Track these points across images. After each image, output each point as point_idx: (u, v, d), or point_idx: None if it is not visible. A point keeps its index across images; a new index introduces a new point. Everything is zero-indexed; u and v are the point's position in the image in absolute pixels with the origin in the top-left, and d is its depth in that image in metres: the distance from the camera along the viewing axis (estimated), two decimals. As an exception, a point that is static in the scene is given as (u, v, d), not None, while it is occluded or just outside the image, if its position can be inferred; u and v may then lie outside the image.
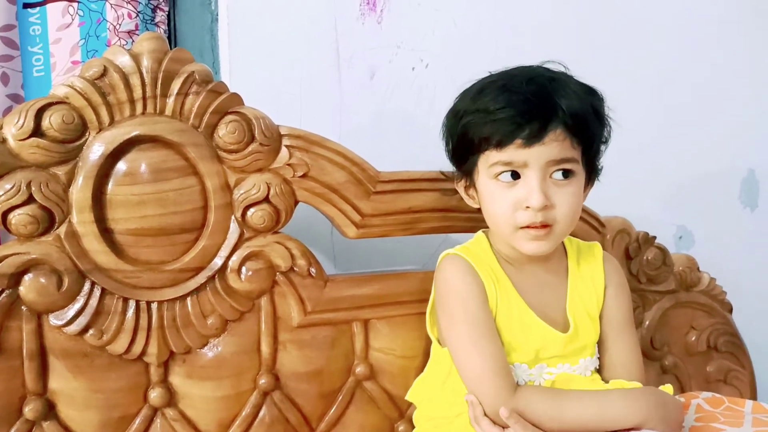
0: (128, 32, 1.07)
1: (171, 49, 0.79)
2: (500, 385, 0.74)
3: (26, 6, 1.04)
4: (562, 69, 0.79)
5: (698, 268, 1.11)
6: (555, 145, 0.73)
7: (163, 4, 1.11)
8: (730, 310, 1.13)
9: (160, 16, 1.11)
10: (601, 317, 0.82)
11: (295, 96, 1.12)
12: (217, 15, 1.13)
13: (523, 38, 1.22)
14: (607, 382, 0.80)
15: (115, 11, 1.06)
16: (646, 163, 1.30)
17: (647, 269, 1.05)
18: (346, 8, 1.14)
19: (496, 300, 0.78)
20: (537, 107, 0.73)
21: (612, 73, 1.23)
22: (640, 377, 0.80)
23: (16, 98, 1.03)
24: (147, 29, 1.10)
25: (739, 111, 1.38)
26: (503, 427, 0.74)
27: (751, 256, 1.38)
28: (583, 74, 0.82)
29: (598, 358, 0.83)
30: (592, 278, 0.83)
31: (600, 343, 0.83)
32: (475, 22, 1.21)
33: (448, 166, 0.89)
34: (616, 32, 1.27)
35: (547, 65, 0.79)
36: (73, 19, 1.05)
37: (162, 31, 1.11)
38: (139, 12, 1.08)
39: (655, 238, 1.07)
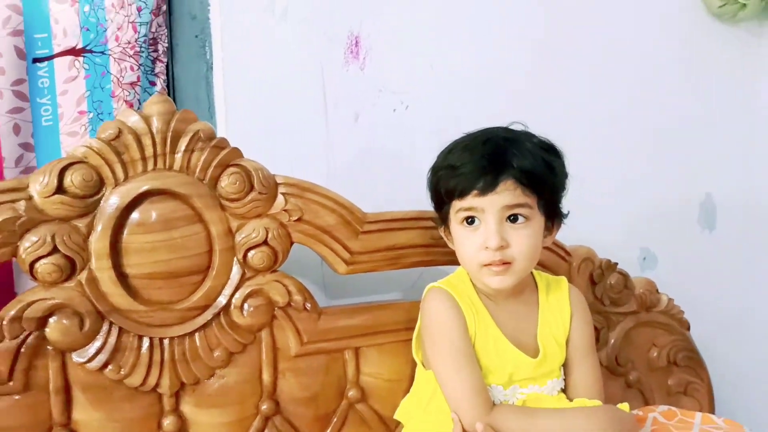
0: (131, 83, 1.16)
1: (171, 99, 0.87)
2: (478, 404, 0.84)
3: (35, 61, 1.12)
4: (524, 128, 0.91)
5: (657, 290, 1.22)
6: (507, 194, 0.85)
7: (162, 56, 1.20)
8: (688, 328, 1.24)
9: (159, 67, 1.20)
10: (567, 343, 0.93)
11: (285, 138, 1.21)
12: (212, 64, 1.23)
13: (495, 80, 1.33)
14: (571, 400, 0.90)
15: (118, 64, 1.15)
16: (611, 190, 1.40)
17: (610, 293, 1.16)
18: (332, 57, 1.24)
19: (474, 329, 0.88)
20: (490, 163, 0.85)
21: (576, 105, 1.35)
22: (600, 396, 0.91)
23: (26, 146, 1.11)
24: (147, 80, 1.19)
25: (696, 139, 1.49)
26: (481, 441, 0.83)
27: (709, 274, 1.49)
28: (550, 110, 0.92)
29: (564, 379, 0.93)
30: (559, 309, 0.93)
31: (565, 366, 0.93)
32: (450, 66, 1.31)
33: (428, 203, 1.00)
34: (579, 69, 1.38)
35: (512, 126, 0.91)
36: (79, 72, 1.13)
37: (161, 80, 1.20)
38: (140, 64, 1.17)
39: (617, 264, 1.18)
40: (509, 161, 0.85)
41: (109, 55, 1.14)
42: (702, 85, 1.49)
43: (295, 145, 1.21)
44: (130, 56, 1.15)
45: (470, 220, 0.87)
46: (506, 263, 0.85)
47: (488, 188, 0.84)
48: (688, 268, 1.48)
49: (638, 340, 1.19)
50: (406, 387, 1.00)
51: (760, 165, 1.55)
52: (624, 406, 0.82)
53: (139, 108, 1.17)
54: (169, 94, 1.22)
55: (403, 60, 1.28)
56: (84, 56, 1.13)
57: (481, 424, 0.82)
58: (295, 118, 1.22)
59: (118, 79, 1.15)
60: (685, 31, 1.46)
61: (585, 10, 1.38)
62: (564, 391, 0.92)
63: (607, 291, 1.15)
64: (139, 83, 1.17)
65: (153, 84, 1.20)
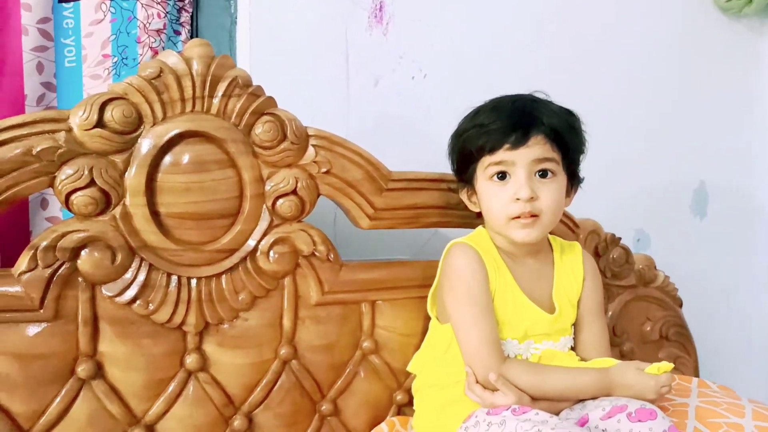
0: (157, 30, 1.16)
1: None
2: (492, 356, 0.88)
3: (61, 1, 1.12)
4: (546, 97, 0.95)
5: (655, 267, 1.27)
6: (537, 148, 0.89)
7: (188, 5, 1.20)
8: (681, 305, 1.30)
9: (185, 17, 1.21)
10: (578, 303, 0.97)
11: (306, 98, 1.23)
12: (236, 18, 1.23)
13: (510, 54, 1.36)
14: (581, 358, 0.95)
15: (146, 10, 1.15)
16: (610, 171, 1.45)
17: (612, 266, 1.21)
18: (356, 20, 1.26)
19: (495, 284, 0.91)
20: (521, 119, 0.90)
21: (580, 86, 1.39)
22: (608, 354, 0.96)
23: (48, 86, 1.11)
24: (173, 28, 1.19)
25: (693, 127, 1.55)
26: (492, 391, 0.87)
27: (698, 258, 1.56)
28: (554, 89, 0.97)
29: (573, 338, 0.97)
30: (573, 270, 0.98)
31: (576, 325, 0.97)
32: (468, 39, 1.34)
33: (441, 168, 1.03)
34: (586, 51, 1.43)
35: (535, 94, 0.95)
36: (105, 16, 1.13)
37: (186, 30, 1.20)
38: (167, 12, 1.17)
39: (620, 239, 1.23)
40: (539, 118, 0.90)
41: (137, 0, 1.14)
42: (702, 75, 1.55)
43: (316, 104, 1.23)
44: (157, 3, 1.15)
45: (501, 175, 0.91)
46: (534, 216, 0.89)
47: (520, 142, 0.88)
48: (677, 251, 1.54)
49: (634, 313, 1.25)
50: (418, 342, 1.04)
51: (754, 157, 1.62)
52: (654, 368, 0.85)
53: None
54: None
55: (424, 29, 1.31)
56: (111, 0, 1.13)
57: (495, 374, 0.86)
58: (317, 79, 1.24)
59: (145, 25, 1.15)
60: (689, 22, 1.52)
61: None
62: (573, 348, 0.97)
63: (609, 264, 1.20)
64: (164, 31, 1.17)
65: (178, 33, 1.20)
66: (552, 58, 1.39)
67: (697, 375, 1.30)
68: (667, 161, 1.54)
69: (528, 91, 0.98)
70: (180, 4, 1.19)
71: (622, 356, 1.24)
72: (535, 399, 0.87)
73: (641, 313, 1.26)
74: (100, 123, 0.84)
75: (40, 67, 1.09)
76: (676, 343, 1.29)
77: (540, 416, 0.80)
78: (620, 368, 0.87)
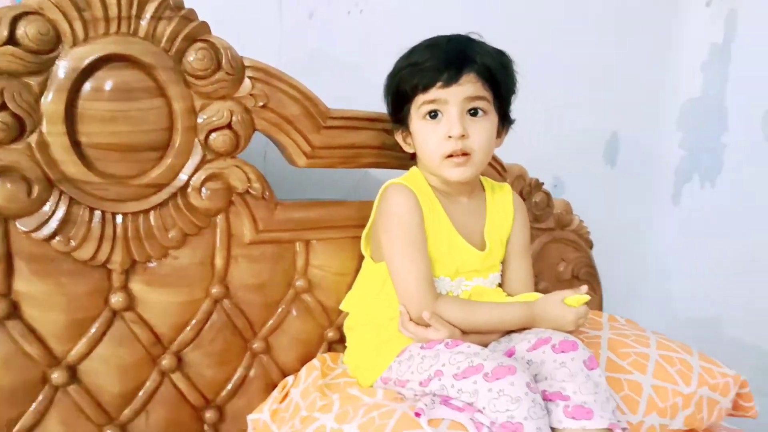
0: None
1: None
2: (425, 294, 0.91)
3: None
4: (479, 38, 0.96)
5: (572, 212, 1.34)
6: (469, 86, 0.90)
7: None
8: (591, 247, 1.39)
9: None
10: (507, 242, 1.01)
11: (237, 29, 1.15)
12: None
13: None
14: (507, 294, 1.00)
15: None
16: (532, 120, 1.48)
17: (534, 210, 1.26)
18: (290, -54, 1.19)
19: (429, 223, 0.93)
20: (454, 57, 0.91)
21: (505, 34, 1.40)
22: (532, 290, 1.02)
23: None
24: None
25: (608, 82, 1.62)
26: (426, 327, 0.90)
27: (608, 204, 1.66)
28: (490, 31, 0.98)
29: (500, 274, 1.02)
30: (503, 210, 1.02)
31: (503, 263, 1.02)
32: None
33: (373, 108, 1.02)
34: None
35: (469, 35, 0.96)
36: None
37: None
38: None
39: (542, 184, 1.28)
40: (472, 56, 0.91)
41: None
42: (622, 30, 1.61)
43: (246, 35, 1.15)
44: None
45: (433, 114, 0.92)
46: (466, 154, 0.91)
47: (452, 80, 0.89)
48: (590, 197, 1.64)
49: (550, 255, 1.32)
50: (350, 281, 1.05)
51: (660, 111, 1.72)
52: (573, 300, 0.89)
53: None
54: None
55: (360, -40, 1.26)
56: None
57: (428, 312, 0.89)
58: (248, 8, 1.17)
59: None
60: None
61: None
62: (500, 285, 1.02)
63: (532, 207, 1.26)
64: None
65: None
66: (483, 6, 1.39)
67: (601, 310, 1.41)
68: (584, 112, 1.61)
69: (465, 31, 0.98)
70: None
71: (538, 294, 1.32)
72: (465, 333, 0.91)
73: (557, 254, 1.33)
74: (11, 40, 0.75)
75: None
76: (586, 283, 1.38)
77: (471, 348, 0.84)
78: (543, 302, 0.92)
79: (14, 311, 0.81)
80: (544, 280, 1.32)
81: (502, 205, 1.02)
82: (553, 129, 1.57)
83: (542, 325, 0.91)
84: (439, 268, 0.94)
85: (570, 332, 0.89)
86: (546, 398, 0.79)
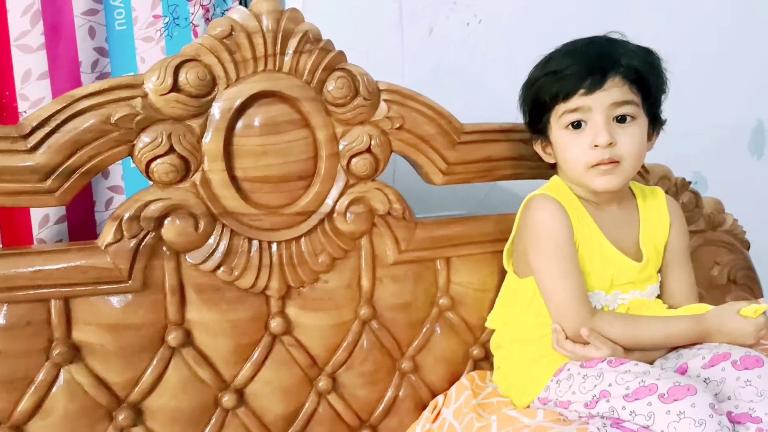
0: (207, -13, 1.11)
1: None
2: (581, 310, 0.87)
3: (107, -40, 1.07)
4: (621, 37, 0.91)
5: (724, 210, 1.24)
6: (615, 90, 0.85)
7: (237, -40, 1.15)
8: (748, 248, 1.27)
9: (234, -27, 1.15)
10: (664, 249, 0.95)
11: (362, 51, 1.18)
12: (286, -30, 1.18)
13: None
14: (669, 305, 0.93)
15: (194, -34, 1.09)
16: (668, 113, 1.41)
17: (683, 211, 1.18)
18: (407, -35, 1.20)
19: (579, 234, 0.89)
20: (597, 61, 0.86)
21: (642, 26, 1.33)
22: (696, 300, 0.95)
23: (101, 51, 1.08)
24: (223, -17, 1.14)
25: (751, 67, 1.49)
26: (584, 344, 0.86)
27: (759, 199, 1.53)
28: (622, 28, 0.92)
29: (659, 285, 0.96)
30: (658, 215, 0.95)
31: (662, 272, 0.96)
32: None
33: (499, 118, 1.00)
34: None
35: (611, 35, 0.91)
36: (152, -26, 1.08)
37: (237, -14, 1.15)
38: (216, -33, 1.12)
39: (690, 183, 1.20)
40: (617, 59, 0.85)
41: (183, -44, 1.09)
42: (761, 11, 1.48)
43: (370, 57, 1.18)
44: (205, -43, 1.10)
45: (576, 124, 0.87)
46: (614, 162, 0.86)
47: (596, 85, 0.84)
48: (735, 193, 1.51)
49: (703, 258, 1.22)
50: (493, 297, 1.03)
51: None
52: (750, 311, 0.83)
53: (214, 14, 1.14)
54: (240, 0, 1.18)
55: (477, -29, 1.25)
56: (157, -42, 1.08)
57: (586, 329, 0.85)
58: (370, 29, 1.19)
59: (194, -19, 1.10)
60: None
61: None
62: (659, 297, 0.95)
63: (680, 209, 1.17)
64: (215, -14, 1.12)
65: (227, -12, 1.15)
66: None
67: None
68: (725, 101, 1.49)
69: (594, 31, 0.93)
70: (227, -42, 1.14)
71: (691, 302, 1.22)
72: (627, 350, 0.86)
73: (710, 258, 1.24)
74: (175, 87, 0.81)
75: (92, 32, 1.06)
76: (744, 287, 1.27)
77: (640, 367, 0.79)
78: (716, 314, 0.85)
79: (188, 339, 0.87)
80: (698, 286, 1.21)
81: (657, 211, 0.96)
82: (692, 122, 1.46)
83: (716, 339, 0.84)
84: (593, 281, 0.90)
85: (749, 347, 0.82)
86: (732, 420, 0.73)
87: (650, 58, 0.89)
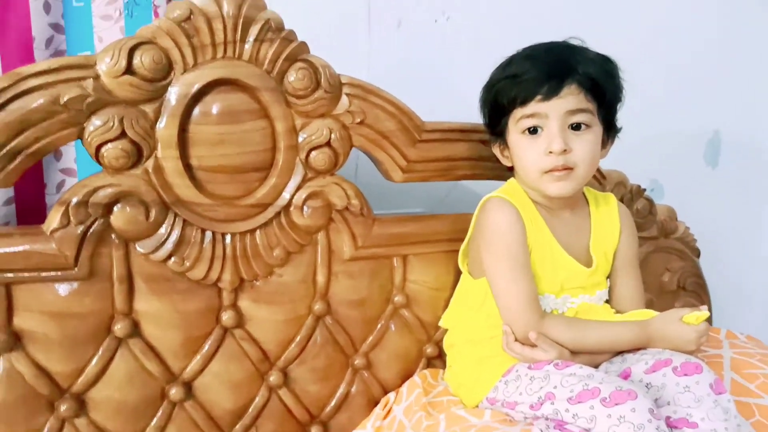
0: (169, -33, 1.08)
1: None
2: (531, 314, 0.87)
3: (66, -65, 1.03)
4: (581, 44, 0.91)
5: (676, 218, 1.27)
6: (571, 99, 0.86)
7: (201, -60, 1.11)
8: (698, 255, 1.31)
9: (197, -47, 1.12)
10: (613, 256, 0.96)
11: (327, 41, 1.17)
12: (252, -46, 1.15)
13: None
14: (616, 310, 0.95)
15: (158, -55, 1.06)
16: (627, 120, 1.43)
17: (637, 217, 1.20)
18: (378, -44, 1.19)
19: (532, 238, 0.90)
20: (554, 69, 0.86)
21: (605, 32, 1.34)
22: (642, 306, 0.96)
23: (56, 27, 1.03)
24: (185, -34, 1.11)
25: (710, 79, 1.53)
26: (532, 347, 0.87)
27: (712, 208, 1.57)
28: (586, 30, 0.94)
29: (608, 290, 0.97)
30: (609, 222, 0.97)
31: (611, 278, 0.97)
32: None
33: (464, 117, 0.99)
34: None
35: (570, 41, 0.91)
36: (114, -50, 1.05)
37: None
38: (179, -52, 1.09)
39: (644, 190, 1.22)
40: (574, 67, 0.86)
41: (145, -68, 1.06)
42: (725, 25, 1.52)
43: (337, 47, 1.16)
44: (169, -64, 1.07)
45: (532, 129, 0.88)
46: (568, 168, 0.87)
47: (552, 93, 0.85)
48: (690, 201, 1.54)
49: (654, 264, 1.25)
50: (448, 296, 1.03)
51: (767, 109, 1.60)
52: (692, 318, 0.84)
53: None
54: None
55: (446, -32, 1.25)
56: (118, -67, 1.04)
57: (535, 333, 0.86)
58: (337, 19, 1.18)
59: (155, -40, 1.06)
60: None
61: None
62: (608, 301, 0.97)
63: (634, 215, 1.18)
64: (177, -33, 1.09)
65: (191, -29, 1.12)
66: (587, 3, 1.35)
67: (711, 323, 1.33)
68: (683, 111, 1.52)
69: (560, 36, 0.94)
70: (192, -62, 1.11)
71: (642, 307, 1.25)
72: (574, 353, 0.87)
73: (661, 264, 1.27)
74: (129, 69, 0.78)
75: (47, 7, 1.01)
76: (693, 293, 1.31)
77: (584, 370, 0.80)
78: (660, 320, 0.87)
79: (135, 329, 0.85)
80: (648, 291, 1.25)
81: (608, 217, 0.97)
82: (650, 129, 1.49)
83: (659, 345, 0.86)
84: (544, 284, 0.91)
85: (690, 352, 0.84)
86: (670, 425, 0.75)
87: (607, 66, 0.90)
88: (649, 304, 1.25)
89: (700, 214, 1.51)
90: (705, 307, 0.87)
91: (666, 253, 1.27)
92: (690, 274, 1.29)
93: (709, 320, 1.31)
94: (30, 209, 1.04)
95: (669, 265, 1.27)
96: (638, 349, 0.87)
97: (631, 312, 0.93)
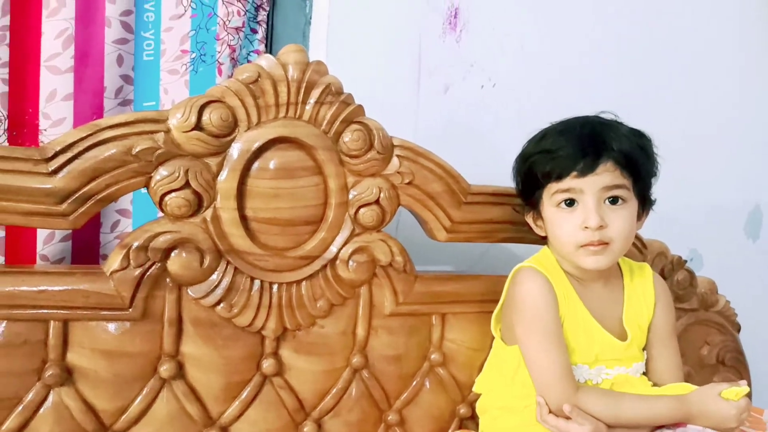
0: (236, 28, 1.15)
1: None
2: (565, 386, 0.87)
3: (144, -7, 1.11)
4: (614, 118, 0.94)
5: (717, 291, 1.26)
6: (606, 175, 0.87)
7: (265, 4, 1.19)
8: (739, 330, 1.29)
9: (262, 16, 1.20)
10: (648, 328, 0.96)
11: (377, 101, 1.22)
12: (311, 18, 1.22)
13: (579, 71, 1.35)
14: (654, 383, 0.94)
15: (226, 8, 1.14)
16: (667, 190, 1.43)
17: (677, 288, 1.20)
18: (431, 26, 1.25)
19: (564, 310, 0.91)
20: (589, 145, 0.88)
21: (650, 106, 1.37)
22: (681, 379, 0.96)
23: (126, 78, 1.11)
24: (250, 27, 1.19)
25: (751, 151, 1.54)
26: (566, 419, 0.86)
27: (751, 282, 1.55)
28: (626, 108, 0.96)
29: (645, 363, 0.97)
30: (644, 294, 0.97)
31: (647, 350, 0.97)
32: (540, 51, 1.33)
33: (505, 180, 1.02)
34: (657, 71, 1.41)
35: (603, 115, 0.94)
36: (185, 11, 1.13)
37: (262, 29, 1.20)
38: (246, 10, 1.16)
39: (686, 261, 1.22)
40: (609, 143, 0.87)
41: (217, -3, 1.14)
42: (763, 99, 1.53)
43: (386, 109, 1.20)
44: (237, 0, 1.15)
45: (569, 202, 0.89)
46: (604, 243, 0.88)
47: (588, 169, 0.87)
48: (730, 274, 1.53)
49: (693, 337, 1.24)
50: (484, 357, 1.04)
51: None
52: (731, 393, 0.84)
53: (240, 54, 1.18)
54: (266, 44, 1.22)
55: (496, 37, 1.30)
56: (192, -5, 1.12)
57: (569, 405, 0.85)
58: (389, 83, 1.23)
59: (225, 22, 1.14)
60: (752, 42, 1.50)
61: (675, 13, 1.41)
62: (645, 374, 0.96)
63: (673, 286, 1.19)
64: (243, 29, 1.16)
65: (254, 31, 1.19)
66: (627, 78, 1.38)
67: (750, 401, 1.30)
68: (724, 182, 1.53)
69: (599, 107, 0.96)
70: (258, 2, 1.18)
71: (679, 380, 1.23)
72: (610, 427, 0.86)
73: (700, 337, 1.25)
74: (198, 125, 0.83)
75: (120, 60, 1.09)
76: (732, 369, 1.29)
77: (622, 445, 0.79)
78: (698, 395, 0.86)
79: (179, 371, 0.87)
80: (687, 364, 1.23)
81: (642, 289, 0.97)
82: (690, 200, 1.50)
83: (699, 421, 0.84)
84: (577, 355, 0.91)
85: (731, 430, 0.82)
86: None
87: (642, 141, 0.91)
88: (687, 377, 1.23)
89: (739, 287, 1.50)
90: (744, 381, 0.86)
91: (705, 326, 1.26)
92: (730, 349, 1.27)
93: (749, 396, 1.29)
94: (84, 246, 1.10)
95: (708, 339, 1.26)
96: (677, 425, 0.86)
97: (669, 385, 0.92)
